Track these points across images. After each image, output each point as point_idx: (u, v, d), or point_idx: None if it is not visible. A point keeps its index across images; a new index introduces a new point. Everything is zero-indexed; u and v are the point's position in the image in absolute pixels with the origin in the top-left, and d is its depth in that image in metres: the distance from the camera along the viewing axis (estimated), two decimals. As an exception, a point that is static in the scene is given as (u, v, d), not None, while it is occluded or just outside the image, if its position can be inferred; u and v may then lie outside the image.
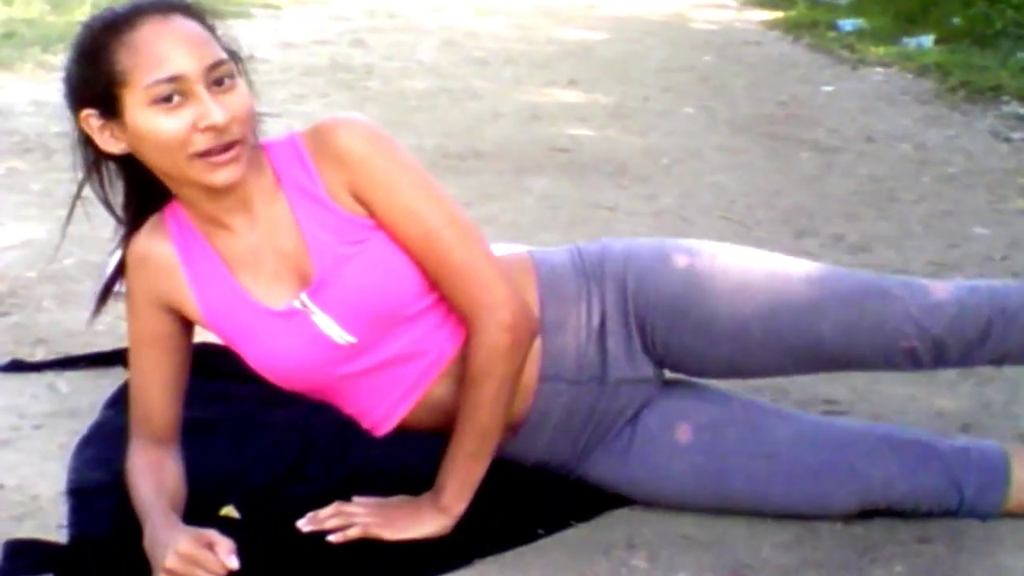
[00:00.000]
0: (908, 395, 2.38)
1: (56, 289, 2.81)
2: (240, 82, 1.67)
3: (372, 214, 1.73)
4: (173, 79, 1.60)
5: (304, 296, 1.72)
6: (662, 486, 1.88)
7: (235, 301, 1.74)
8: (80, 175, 1.75)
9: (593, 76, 6.40)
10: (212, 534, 1.63)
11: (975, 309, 1.85)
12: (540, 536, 1.83)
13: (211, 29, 1.68)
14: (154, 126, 1.61)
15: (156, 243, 1.76)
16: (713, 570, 1.75)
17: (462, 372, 1.77)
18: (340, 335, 1.73)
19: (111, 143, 1.67)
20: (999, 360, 1.90)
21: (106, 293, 1.85)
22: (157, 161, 1.66)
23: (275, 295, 1.74)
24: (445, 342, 1.78)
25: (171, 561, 1.59)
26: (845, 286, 1.88)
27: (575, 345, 1.85)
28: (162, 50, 1.60)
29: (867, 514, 1.87)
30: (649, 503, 1.91)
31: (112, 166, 1.75)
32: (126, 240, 1.79)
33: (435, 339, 1.78)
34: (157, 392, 1.83)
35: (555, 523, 1.85)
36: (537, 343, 1.81)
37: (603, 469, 1.90)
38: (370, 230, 1.74)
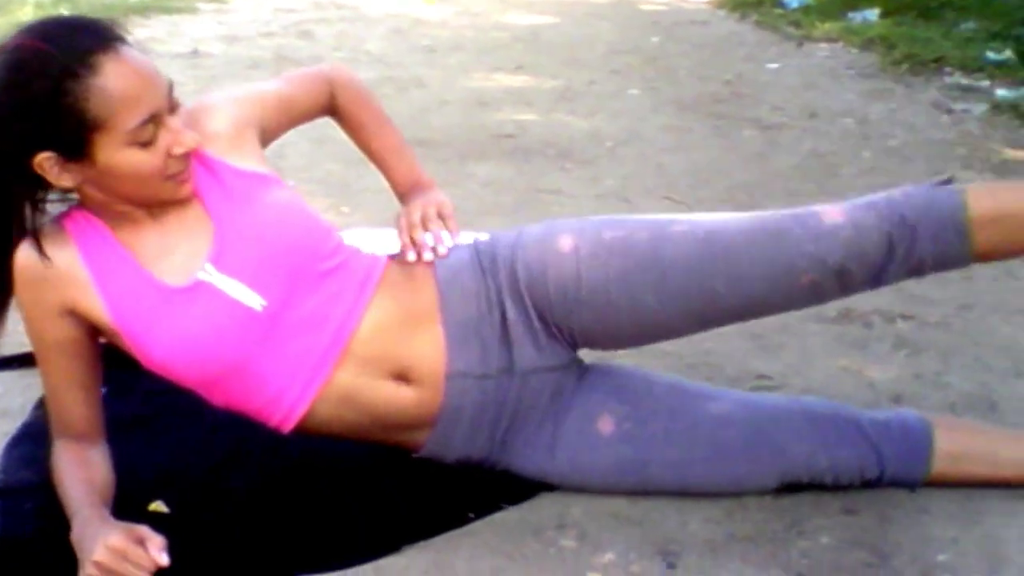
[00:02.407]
0: (840, 367, 2.40)
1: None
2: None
3: (261, 141, 1.88)
4: (151, 119, 1.64)
5: (208, 264, 1.74)
6: (588, 477, 1.89)
7: (142, 289, 1.74)
8: None
9: (540, 61, 6.41)
10: (143, 529, 1.62)
11: (873, 227, 1.79)
12: (470, 520, 1.84)
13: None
14: (135, 163, 1.65)
15: (55, 252, 1.74)
16: (641, 547, 1.77)
17: (362, 359, 1.80)
18: (251, 297, 1.74)
19: (64, 178, 1.67)
20: (915, 272, 1.84)
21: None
22: (123, 189, 1.70)
23: (183, 273, 1.75)
24: (344, 316, 1.80)
25: (100, 554, 1.58)
26: (732, 235, 1.82)
27: (479, 340, 1.85)
28: (133, 91, 1.63)
29: (795, 487, 1.89)
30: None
31: None
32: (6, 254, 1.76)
33: (336, 309, 1.79)
34: (71, 394, 1.83)
35: (485, 507, 1.86)
36: (440, 340, 1.83)
37: (527, 462, 1.91)
38: (267, 183, 1.82)
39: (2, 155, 1.65)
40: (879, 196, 1.85)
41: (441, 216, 1.95)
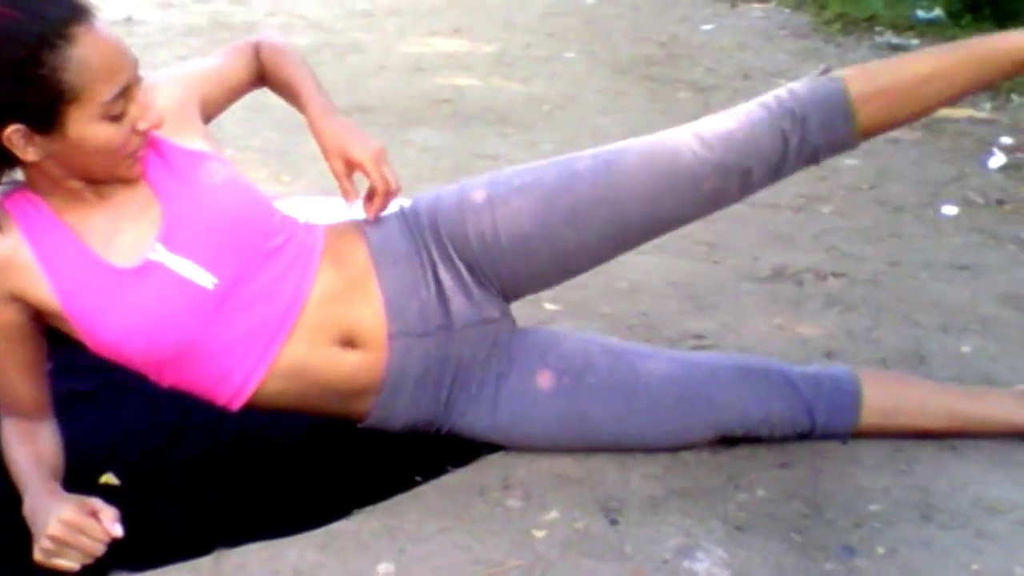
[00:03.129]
0: (774, 325, 2.47)
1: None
2: None
3: (203, 117, 1.90)
4: (123, 92, 1.64)
5: (158, 245, 1.75)
6: (530, 432, 1.94)
7: (91, 271, 1.73)
8: None
9: (477, 24, 6.41)
10: (96, 502, 1.64)
11: (765, 125, 1.89)
12: (418, 483, 1.89)
13: None
14: (104, 137, 1.64)
15: None
16: (585, 505, 1.82)
17: (312, 329, 1.82)
18: (202, 276, 1.75)
19: (29, 152, 1.65)
20: (811, 159, 1.95)
21: None
22: (85, 163, 1.68)
23: (133, 254, 1.75)
24: (295, 289, 1.82)
25: (55, 529, 1.60)
26: (633, 158, 1.91)
27: (416, 299, 1.89)
28: (107, 63, 1.61)
29: (731, 442, 1.95)
30: (521, 449, 1.97)
31: None
32: None
33: (287, 283, 1.82)
34: (17, 376, 1.82)
35: (432, 470, 1.91)
36: (379, 302, 1.87)
37: (472, 421, 1.95)
38: (212, 161, 1.83)
39: None
40: (766, 96, 1.94)
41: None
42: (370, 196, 1.92)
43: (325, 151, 1.91)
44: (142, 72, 1.71)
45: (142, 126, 1.68)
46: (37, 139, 1.63)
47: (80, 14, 1.61)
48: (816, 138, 1.90)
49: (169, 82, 1.87)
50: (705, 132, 1.91)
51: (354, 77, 5.05)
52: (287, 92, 1.98)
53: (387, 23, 6.50)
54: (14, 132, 1.61)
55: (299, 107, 1.96)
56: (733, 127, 1.90)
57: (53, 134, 1.63)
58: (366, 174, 1.89)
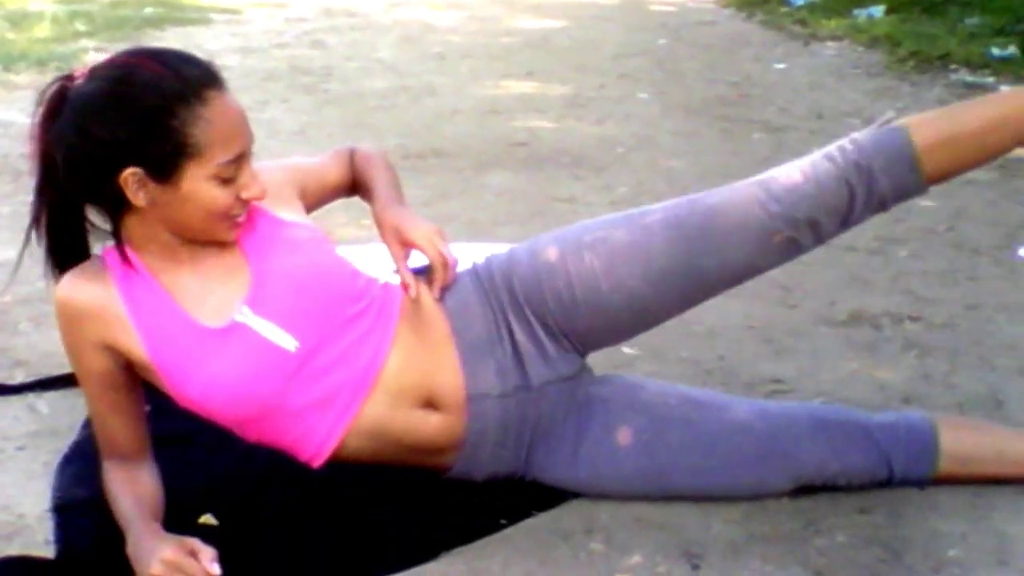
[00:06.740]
0: (851, 370, 2.49)
1: (31, 311, 2.88)
2: None
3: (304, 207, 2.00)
4: (239, 158, 1.75)
5: (244, 307, 1.82)
6: (610, 486, 1.99)
7: (180, 329, 1.81)
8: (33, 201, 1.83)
9: (550, 66, 6.49)
10: (195, 542, 1.71)
11: (832, 177, 1.92)
12: (503, 527, 1.93)
13: None
14: (211, 196, 1.75)
15: (93, 288, 1.83)
16: (665, 550, 1.86)
17: (391, 389, 1.88)
18: (284, 339, 1.82)
19: (139, 197, 1.74)
20: (879, 208, 1.97)
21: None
22: (188, 218, 1.77)
23: (220, 315, 1.83)
24: (374, 351, 1.88)
25: (156, 568, 1.67)
26: (703, 212, 1.95)
27: (493, 360, 1.94)
28: (231, 128, 1.74)
29: (810, 488, 1.98)
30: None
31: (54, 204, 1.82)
32: (58, 275, 1.87)
33: (366, 347, 1.88)
34: (115, 421, 1.91)
35: (517, 514, 1.96)
36: (457, 365, 1.92)
37: (552, 474, 2.00)
38: (299, 228, 1.92)
39: (96, 162, 1.72)
40: (831, 148, 1.97)
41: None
42: (430, 275, 1.96)
43: (382, 235, 1.98)
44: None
45: (246, 194, 1.78)
46: (151, 186, 1.73)
47: (214, 81, 1.75)
48: (883, 188, 1.93)
49: (273, 167, 1.98)
50: (772, 185, 1.94)
51: (429, 120, 5.15)
52: (365, 192, 2.07)
53: (461, 66, 6.60)
54: (132, 175, 1.72)
55: (369, 201, 2.04)
56: (799, 180, 1.93)
57: (167, 185, 1.73)
58: (422, 251, 1.95)
